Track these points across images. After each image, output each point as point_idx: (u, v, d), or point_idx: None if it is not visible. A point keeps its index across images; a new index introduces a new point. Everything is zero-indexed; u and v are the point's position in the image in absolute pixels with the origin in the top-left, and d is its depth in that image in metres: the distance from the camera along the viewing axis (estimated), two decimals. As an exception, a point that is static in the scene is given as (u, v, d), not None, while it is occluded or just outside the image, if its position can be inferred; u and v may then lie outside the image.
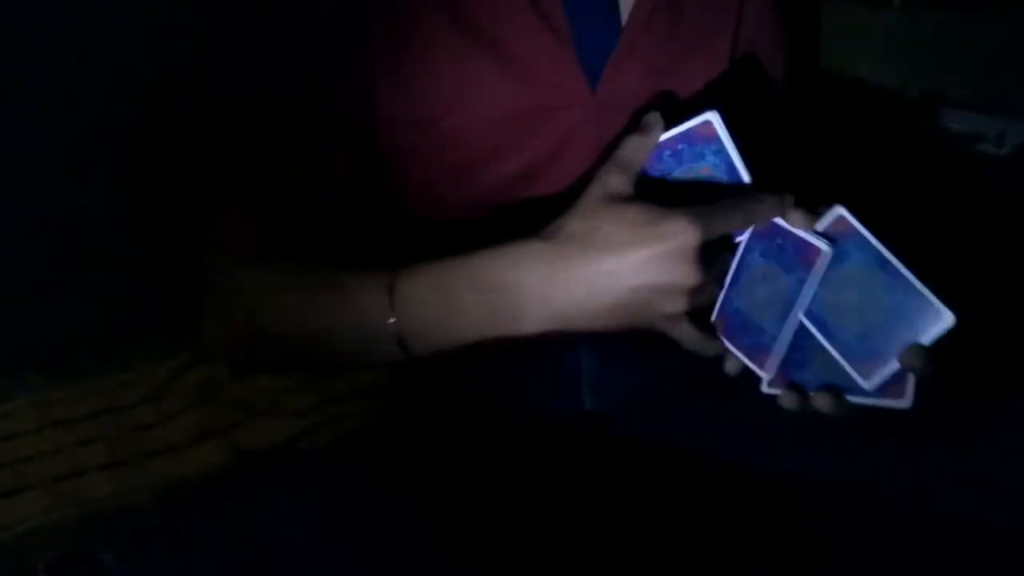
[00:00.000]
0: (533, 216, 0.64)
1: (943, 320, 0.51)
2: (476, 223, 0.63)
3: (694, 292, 0.54)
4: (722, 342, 0.58)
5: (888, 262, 0.53)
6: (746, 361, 0.57)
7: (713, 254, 0.55)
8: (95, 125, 1.07)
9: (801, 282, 0.54)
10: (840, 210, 0.55)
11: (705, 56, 0.68)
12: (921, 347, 0.51)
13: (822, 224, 0.56)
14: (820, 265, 0.54)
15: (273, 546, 0.51)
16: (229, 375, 1.07)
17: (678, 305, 0.54)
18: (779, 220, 0.56)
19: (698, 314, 0.57)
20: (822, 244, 0.54)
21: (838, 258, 0.54)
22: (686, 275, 0.53)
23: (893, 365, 0.52)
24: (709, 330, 0.58)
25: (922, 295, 0.52)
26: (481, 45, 0.61)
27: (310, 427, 1.02)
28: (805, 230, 0.55)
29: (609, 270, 0.53)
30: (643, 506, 0.60)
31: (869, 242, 0.54)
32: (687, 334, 0.57)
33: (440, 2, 0.60)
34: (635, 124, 0.67)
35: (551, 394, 0.69)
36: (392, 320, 0.56)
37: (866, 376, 0.53)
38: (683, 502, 0.60)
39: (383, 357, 0.58)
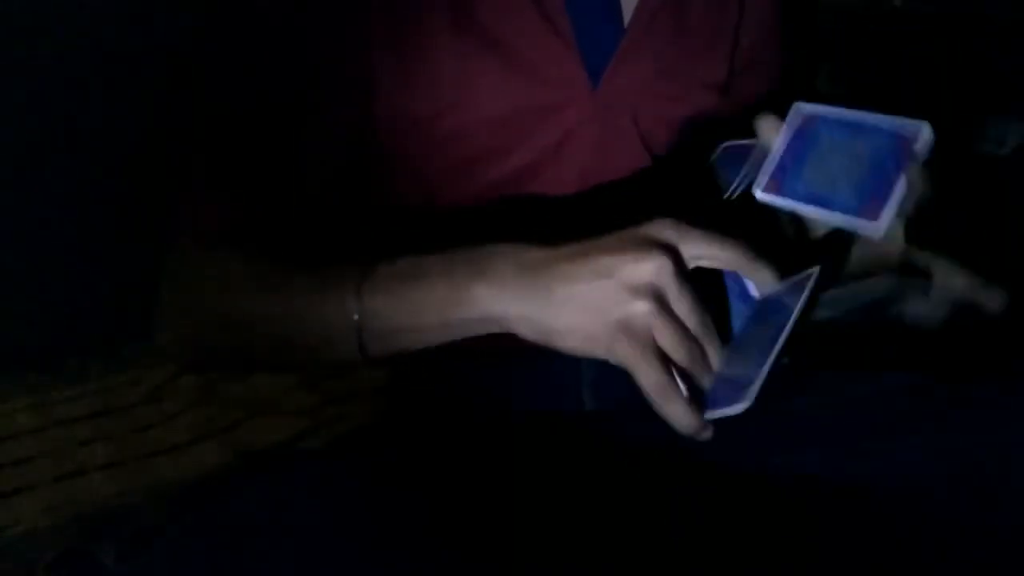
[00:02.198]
0: (532, 214, 0.64)
1: (923, 131, 0.56)
2: (475, 221, 0.63)
3: (658, 296, 0.49)
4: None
5: (857, 123, 0.57)
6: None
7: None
8: (95, 125, 1.07)
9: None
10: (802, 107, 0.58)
11: (706, 58, 0.69)
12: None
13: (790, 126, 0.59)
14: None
15: (273, 546, 0.51)
16: (232, 375, 1.08)
17: (639, 305, 0.49)
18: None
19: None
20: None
21: (813, 139, 0.58)
22: (650, 261, 0.48)
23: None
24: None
25: (892, 122, 0.56)
26: (483, 43, 0.61)
27: (310, 427, 1.02)
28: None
29: (575, 252, 0.50)
30: (643, 506, 0.60)
31: (836, 119, 0.58)
32: (651, 375, 0.50)
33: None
34: (636, 125, 0.67)
35: (551, 394, 0.69)
36: (356, 316, 0.54)
37: (874, 216, 0.54)
38: (683, 502, 0.60)
39: (339, 354, 0.57)
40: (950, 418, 0.61)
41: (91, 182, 1.09)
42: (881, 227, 0.54)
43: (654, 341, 0.50)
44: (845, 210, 0.55)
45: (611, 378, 0.69)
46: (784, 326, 0.50)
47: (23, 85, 1.04)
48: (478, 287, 0.52)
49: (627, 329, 0.49)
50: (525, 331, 0.52)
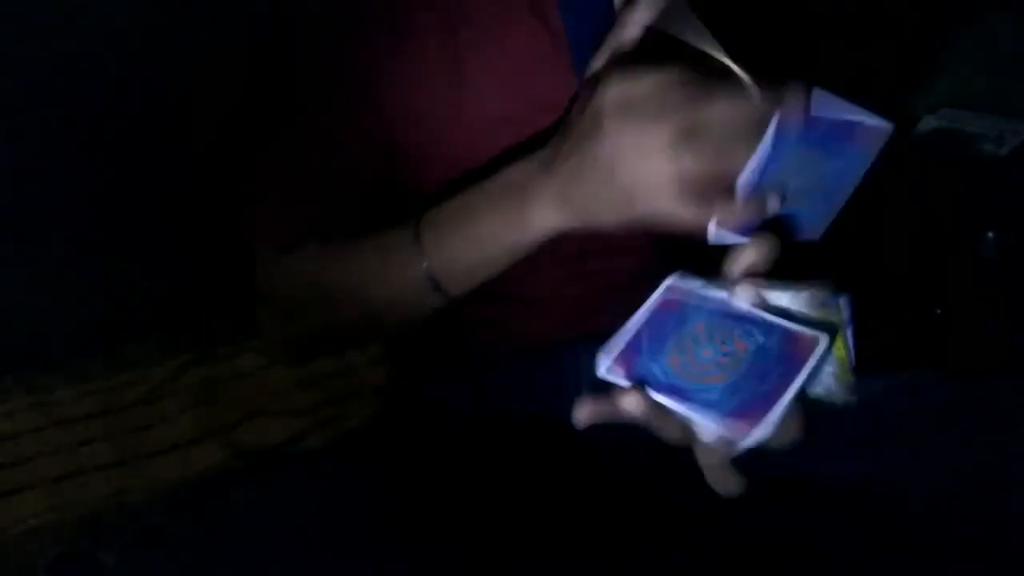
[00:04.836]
0: None
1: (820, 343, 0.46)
2: None
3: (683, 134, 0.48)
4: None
5: (743, 317, 0.48)
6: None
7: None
8: (94, 125, 1.07)
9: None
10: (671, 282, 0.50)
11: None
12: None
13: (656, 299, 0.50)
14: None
15: (273, 546, 0.51)
16: (232, 375, 1.08)
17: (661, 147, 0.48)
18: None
19: None
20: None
21: (680, 320, 0.50)
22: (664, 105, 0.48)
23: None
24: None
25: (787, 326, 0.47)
26: (475, 42, 0.61)
27: (310, 427, 1.02)
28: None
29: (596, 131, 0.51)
30: (642, 507, 0.60)
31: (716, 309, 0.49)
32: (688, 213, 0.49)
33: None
34: None
35: (551, 394, 0.69)
36: (425, 264, 0.57)
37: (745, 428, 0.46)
38: (682, 503, 0.60)
39: (424, 305, 0.60)
40: (951, 418, 0.61)
41: (91, 183, 1.09)
42: (751, 439, 0.46)
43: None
44: (707, 410, 0.47)
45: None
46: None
47: (24, 84, 1.04)
48: (529, 212, 0.54)
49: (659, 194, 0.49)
50: (584, 227, 0.53)
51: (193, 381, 1.06)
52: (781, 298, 0.49)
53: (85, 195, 1.09)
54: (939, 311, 1.09)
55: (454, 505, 0.57)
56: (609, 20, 0.64)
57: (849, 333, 0.48)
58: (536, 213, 0.54)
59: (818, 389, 0.49)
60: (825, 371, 0.48)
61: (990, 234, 1.08)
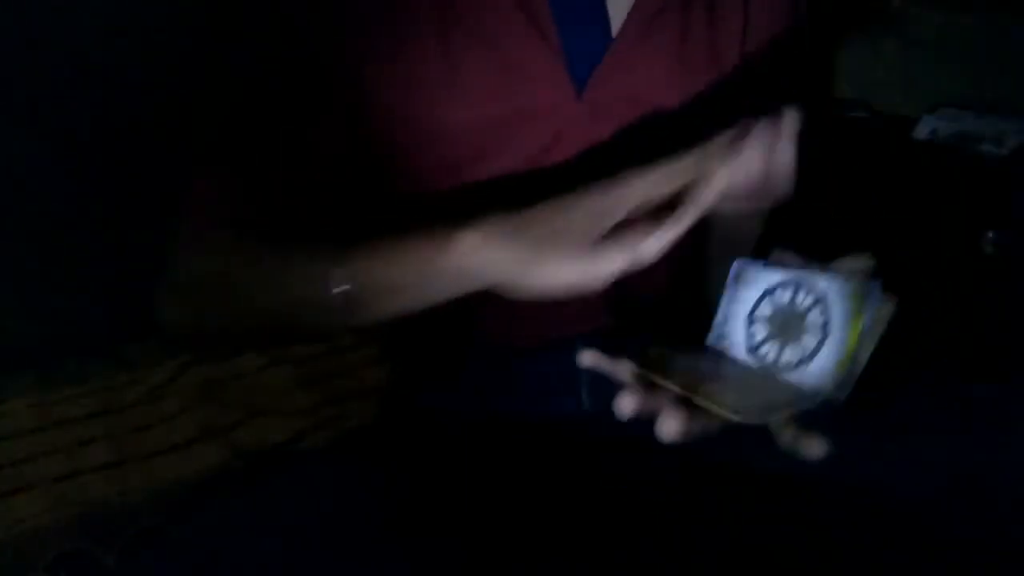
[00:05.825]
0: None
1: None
2: (463, 219, 0.64)
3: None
4: None
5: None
6: None
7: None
8: (93, 125, 1.07)
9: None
10: None
11: (707, 69, 0.68)
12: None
13: None
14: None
15: (272, 546, 0.51)
16: (232, 375, 1.08)
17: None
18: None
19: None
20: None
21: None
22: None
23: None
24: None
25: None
26: (470, 44, 0.61)
27: (310, 427, 1.02)
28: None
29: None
30: (642, 507, 0.60)
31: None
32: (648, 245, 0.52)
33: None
34: (622, 132, 0.67)
35: (550, 394, 0.69)
36: (343, 279, 0.56)
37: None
38: (682, 503, 0.60)
39: (329, 319, 0.58)
40: (950, 418, 0.61)
41: (91, 182, 1.09)
42: None
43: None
44: None
45: (610, 378, 0.69)
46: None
47: (19, 87, 1.04)
48: (459, 234, 0.54)
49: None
50: (504, 277, 0.53)
51: (193, 381, 1.06)
52: (818, 278, 0.52)
53: (85, 195, 1.09)
54: (940, 309, 1.10)
55: (454, 505, 0.57)
56: (602, 27, 0.64)
57: (868, 322, 0.50)
58: (467, 238, 0.53)
59: (812, 369, 0.51)
60: (823, 355, 0.50)
61: (990, 234, 1.08)
